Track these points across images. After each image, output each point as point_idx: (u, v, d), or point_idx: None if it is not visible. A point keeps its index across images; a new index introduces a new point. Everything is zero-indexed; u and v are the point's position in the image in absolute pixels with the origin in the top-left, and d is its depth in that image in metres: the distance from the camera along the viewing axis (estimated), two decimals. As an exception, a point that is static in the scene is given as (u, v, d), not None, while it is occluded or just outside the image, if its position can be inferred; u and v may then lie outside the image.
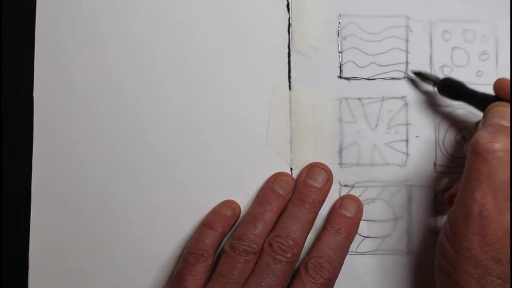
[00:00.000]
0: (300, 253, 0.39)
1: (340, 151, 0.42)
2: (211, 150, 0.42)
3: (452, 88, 0.40)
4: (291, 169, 0.42)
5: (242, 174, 0.42)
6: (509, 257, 0.32)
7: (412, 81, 0.42)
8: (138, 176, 0.42)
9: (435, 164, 0.42)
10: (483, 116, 0.37)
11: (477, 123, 0.38)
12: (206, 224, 0.40)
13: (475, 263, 0.33)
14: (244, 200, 0.42)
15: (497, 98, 0.37)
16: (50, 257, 0.42)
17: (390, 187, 0.42)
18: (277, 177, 0.41)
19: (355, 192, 0.42)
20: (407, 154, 0.42)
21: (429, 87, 0.42)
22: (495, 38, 0.42)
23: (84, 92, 0.43)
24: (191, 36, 0.43)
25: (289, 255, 0.38)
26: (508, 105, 0.36)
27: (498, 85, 0.37)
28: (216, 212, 0.41)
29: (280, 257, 0.38)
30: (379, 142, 0.42)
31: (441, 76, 0.41)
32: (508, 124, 0.35)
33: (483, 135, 0.34)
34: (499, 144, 0.33)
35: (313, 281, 0.38)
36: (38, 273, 0.42)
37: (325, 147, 0.42)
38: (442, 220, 0.42)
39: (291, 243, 0.39)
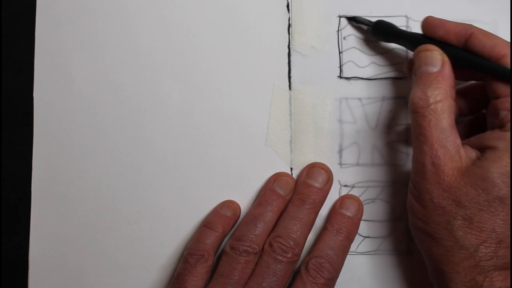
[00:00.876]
0: (300, 253, 0.39)
1: (340, 151, 0.42)
2: (211, 150, 0.42)
3: (384, 30, 0.40)
4: (291, 169, 0.42)
5: (242, 174, 0.42)
6: (468, 197, 0.33)
7: (350, 24, 0.43)
8: (138, 176, 0.42)
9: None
10: (413, 61, 0.37)
11: (409, 62, 0.38)
12: (206, 224, 0.41)
13: (441, 211, 0.34)
14: (244, 200, 0.42)
15: (425, 37, 0.38)
16: (50, 257, 0.42)
17: (390, 187, 0.42)
18: (277, 177, 0.41)
19: (355, 192, 0.42)
20: (407, 154, 0.42)
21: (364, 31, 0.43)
22: (495, 38, 0.42)
23: (84, 92, 0.43)
24: (191, 36, 0.43)
25: (289, 255, 0.38)
26: (433, 47, 0.37)
27: (425, 23, 0.38)
28: (216, 212, 0.41)
29: (280, 258, 0.38)
30: (379, 142, 0.42)
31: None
32: (436, 69, 0.36)
33: (415, 93, 0.36)
34: (431, 98, 0.35)
35: (314, 281, 0.38)
36: (38, 273, 0.42)
37: (325, 147, 0.42)
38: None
39: (292, 243, 0.39)
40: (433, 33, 0.37)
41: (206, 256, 0.39)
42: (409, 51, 0.42)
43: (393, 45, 0.42)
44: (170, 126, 0.42)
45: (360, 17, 0.42)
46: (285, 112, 0.42)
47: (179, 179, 0.42)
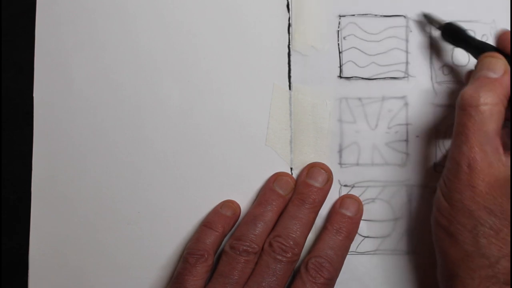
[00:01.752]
0: (300, 253, 0.39)
1: (340, 151, 0.42)
2: (211, 150, 0.42)
3: (454, 33, 0.40)
4: (291, 169, 0.42)
5: (242, 174, 0.42)
6: (501, 208, 0.33)
7: (418, 23, 0.42)
8: (138, 176, 0.42)
9: (435, 164, 0.42)
10: (475, 66, 0.37)
11: (470, 72, 0.38)
12: (206, 224, 0.41)
13: (468, 214, 0.33)
14: (244, 200, 0.42)
15: (493, 48, 0.37)
16: (50, 257, 0.42)
17: (390, 187, 0.42)
18: (277, 177, 0.41)
19: (355, 192, 0.42)
20: (407, 154, 0.42)
21: (435, 32, 0.42)
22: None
23: (84, 92, 0.43)
24: (191, 36, 0.43)
25: (289, 255, 0.38)
26: (499, 55, 0.36)
27: (500, 37, 0.37)
28: (216, 212, 0.41)
29: (280, 257, 0.38)
30: (379, 142, 0.42)
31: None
32: (496, 75, 0.35)
33: (467, 90, 0.35)
34: (482, 98, 0.34)
35: (314, 281, 0.38)
36: (38, 273, 0.42)
37: (325, 147, 0.42)
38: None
39: (292, 243, 0.39)
40: (505, 48, 0.37)
41: (206, 255, 0.39)
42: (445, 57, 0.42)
43: (392, 45, 0.42)
44: (170, 126, 0.42)
45: (432, 15, 0.41)
46: (285, 112, 0.42)
47: (179, 179, 0.42)
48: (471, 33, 0.41)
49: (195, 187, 0.42)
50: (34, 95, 0.42)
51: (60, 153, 0.42)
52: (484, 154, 0.33)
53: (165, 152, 0.42)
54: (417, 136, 0.42)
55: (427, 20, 0.42)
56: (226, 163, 0.42)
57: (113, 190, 0.42)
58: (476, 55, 0.38)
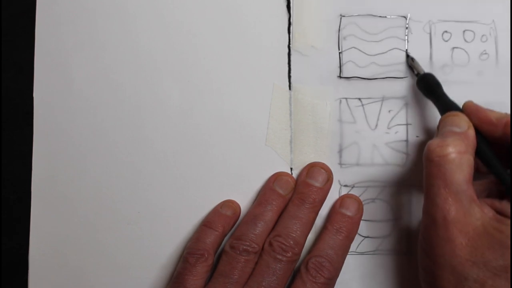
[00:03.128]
0: (300, 253, 0.39)
1: (340, 151, 0.42)
2: (211, 150, 0.42)
3: (427, 85, 0.40)
4: (291, 169, 0.42)
5: (242, 174, 0.42)
6: (483, 259, 0.32)
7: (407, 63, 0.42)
8: (138, 176, 0.42)
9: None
10: (437, 125, 0.37)
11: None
12: (206, 224, 0.41)
13: (451, 270, 0.32)
14: (244, 200, 0.42)
15: (459, 109, 0.37)
16: (50, 257, 0.42)
17: (390, 187, 0.42)
18: (277, 177, 0.41)
19: (355, 192, 0.42)
20: (407, 154, 0.42)
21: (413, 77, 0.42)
22: (495, 38, 0.42)
23: (84, 92, 0.43)
24: (191, 36, 0.43)
25: (289, 254, 0.38)
26: (460, 113, 0.36)
27: (464, 107, 0.37)
28: (216, 212, 0.41)
29: (280, 257, 0.38)
30: (379, 142, 0.42)
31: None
32: (460, 130, 0.35)
33: (433, 141, 0.34)
34: (450, 147, 0.33)
35: (314, 280, 0.38)
36: (38, 273, 0.42)
37: (325, 147, 0.42)
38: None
39: (292, 242, 0.39)
40: (470, 118, 0.36)
41: (206, 255, 0.39)
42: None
43: (392, 45, 0.42)
44: (170, 126, 0.42)
45: (416, 61, 0.41)
46: (285, 112, 0.42)
47: (179, 179, 0.42)
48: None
49: (195, 187, 0.42)
50: (34, 95, 0.42)
51: (60, 153, 0.42)
52: (459, 204, 0.33)
53: (165, 152, 0.42)
54: (417, 136, 0.42)
55: (409, 63, 0.42)
56: (226, 163, 0.42)
57: (113, 190, 0.42)
58: (442, 112, 0.38)
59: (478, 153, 0.35)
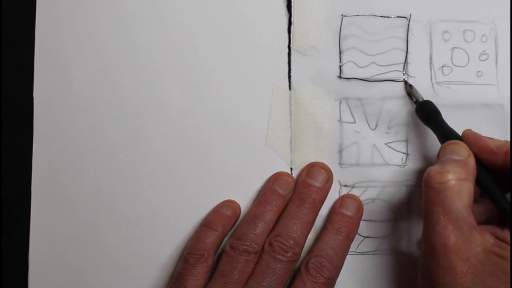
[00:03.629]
0: (300, 253, 0.39)
1: (340, 151, 0.42)
2: (211, 150, 0.42)
3: (426, 113, 0.40)
4: (291, 169, 0.42)
5: (242, 174, 0.42)
6: (484, 286, 0.31)
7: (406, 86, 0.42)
8: (138, 176, 0.42)
9: (435, 164, 0.42)
10: (437, 153, 0.37)
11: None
12: (206, 224, 0.41)
13: None
14: (244, 200, 0.42)
15: (459, 137, 0.37)
16: (50, 257, 0.42)
17: (390, 187, 0.42)
18: (277, 177, 0.41)
19: (355, 192, 0.42)
20: (407, 154, 0.42)
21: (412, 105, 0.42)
22: (495, 38, 0.42)
23: (84, 92, 0.43)
24: (191, 36, 0.43)
25: (289, 254, 0.38)
26: (460, 142, 0.36)
27: (463, 136, 0.37)
28: (216, 212, 0.41)
29: (280, 257, 0.38)
30: (379, 142, 0.42)
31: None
32: (460, 158, 0.35)
33: (433, 168, 0.34)
34: (450, 174, 0.33)
35: (314, 280, 0.38)
36: (38, 273, 0.42)
37: (325, 147, 0.42)
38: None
39: (292, 242, 0.39)
40: (469, 147, 0.36)
41: (206, 255, 0.39)
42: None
43: (393, 46, 0.42)
44: (170, 126, 0.42)
45: (414, 88, 0.41)
46: (285, 112, 0.42)
47: (179, 179, 0.42)
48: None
49: (195, 187, 0.42)
50: (34, 95, 0.42)
51: (60, 153, 0.42)
52: (459, 232, 0.32)
53: (165, 152, 0.42)
54: (417, 136, 0.42)
55: (407, 90, 0.42)
56: (226, 163, 0.42)
57: (113, 190, 0.42)
58: (442, 141, 0.38)
59: (478, 182, 0.35)
